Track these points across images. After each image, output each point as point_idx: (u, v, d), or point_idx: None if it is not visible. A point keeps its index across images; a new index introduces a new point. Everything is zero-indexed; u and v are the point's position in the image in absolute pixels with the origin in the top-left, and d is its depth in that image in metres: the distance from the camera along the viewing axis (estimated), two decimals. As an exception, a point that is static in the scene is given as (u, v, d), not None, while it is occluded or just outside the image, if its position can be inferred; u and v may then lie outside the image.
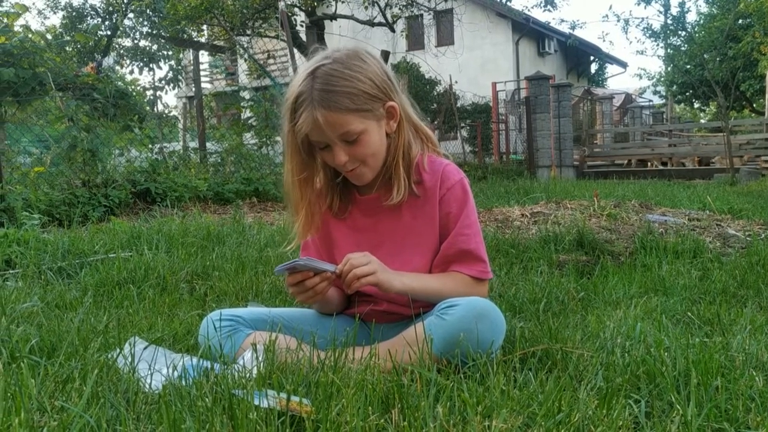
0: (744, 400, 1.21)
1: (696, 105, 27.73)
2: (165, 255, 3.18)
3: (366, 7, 12.89)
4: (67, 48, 15.85)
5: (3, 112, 6.34)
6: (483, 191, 7.95)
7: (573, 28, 15.00)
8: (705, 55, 14.60)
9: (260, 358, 1.36)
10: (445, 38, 19.59)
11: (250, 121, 8.92)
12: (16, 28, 6.64)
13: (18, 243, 3.34)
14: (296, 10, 13.03)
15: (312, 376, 1.29)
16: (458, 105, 16.21)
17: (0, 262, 3.09)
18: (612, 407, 1.16)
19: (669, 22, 14.08)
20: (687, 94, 23.44)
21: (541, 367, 1.44)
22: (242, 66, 17.93)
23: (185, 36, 14.70)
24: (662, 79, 25.97)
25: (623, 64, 26.43)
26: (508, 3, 17.34)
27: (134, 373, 1.35)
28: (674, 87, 23.36)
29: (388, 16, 13.05)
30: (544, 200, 5.62)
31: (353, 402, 1.12)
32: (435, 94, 17.87)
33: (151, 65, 18.51)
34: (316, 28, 12.90)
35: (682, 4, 14.98)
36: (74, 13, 18.70)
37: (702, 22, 20.70)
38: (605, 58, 25.15)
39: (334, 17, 13.20)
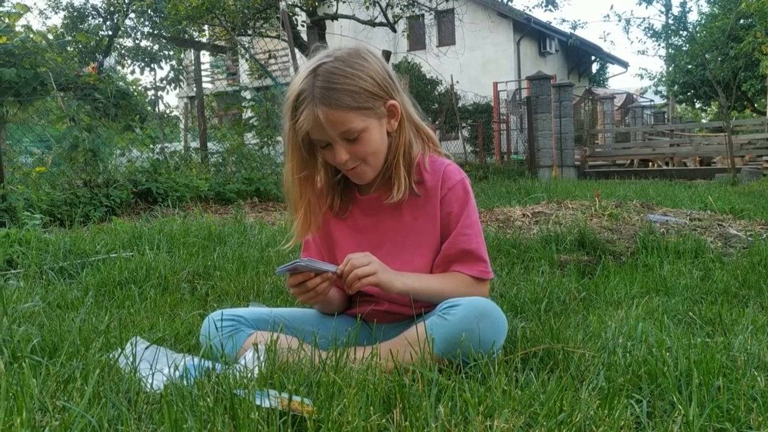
0: (746, 400, 1.21)
1: (697, 105, 27.72)
2: (166, 255, 3.18)
3: (367, 7, 12.89)
4: (68, 48, 15.88)
5: (4, 112, 6.34)
6: (484, 191, 7.95)
7: (574, 28, 14.98)
8: (706, 55, 14.59)
9: (262, 358, 1.36)
10: (447, 38, 19.58)
11: (251, 121, 8.92)
12: (17, 28, 6.64)
13: (19, 243, 3.35)
14: (297, 10, 13.02)
15: (313, 376, 1.29)
16: (459, 105, 16.20)
17: (1, 261, 3.09)
18: (614, 407, 1.16)
19: (670, 21, 14.07)
20: (688, 94, 23.42)
21: (543, 367, 1.44)
22: (243, 66, 17.94)
23: (186, 36, 14.70)
24: (663, 79, 25.96)
25: (624, 64, 26.42)
26: (510, 3, 17.36)
27: (136, 373, 1.35)
28: (675, 87, 23.34)
29: (390, 16, 13.05)
30: (546, 200, 5.62)
31: (355, 402, 1.12)
32: (436, 94, 17.87)
33: (152, 65, 18.55)
34: (317, 28, 12.90)
35: (683, 4, 14.96)
36: (75, 13, 18.72)
37: (703, 21, 20.68)
38: (606, 58, 25.13)
39: (335, 17, 13.19)
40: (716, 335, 1.80)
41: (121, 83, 8.70)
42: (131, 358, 1.40)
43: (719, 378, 1.29)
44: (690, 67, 19.38)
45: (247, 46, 13.63)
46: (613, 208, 4.59)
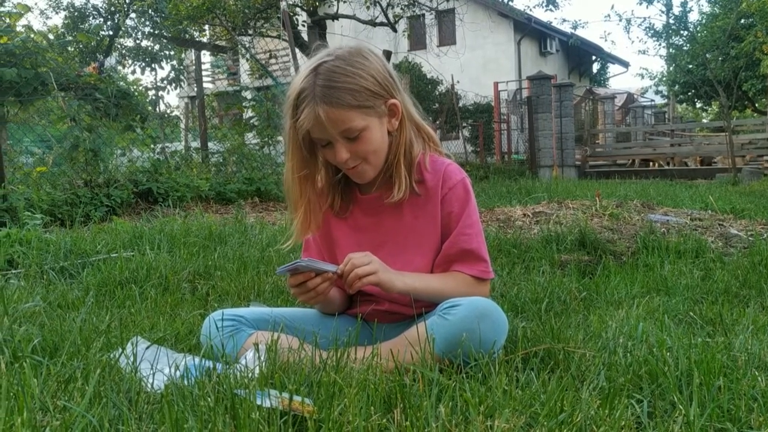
0: (746, 400, 1.21)
1: (698, 105, 27.68)
2: (167, 255, 3.18)
3: (368, 7, 12.90)
4: (69, 48, 15.88)
5: (5, 112, 6.34)
6: (485, 191, 7.95)
7: (575, 27, 14.97)
8: (707, 55, 14.57)
9: (262, 358, 1.36)
10: (447, 38, 19.58)
11: (251, 121, 8.92)
12: (18, 28, 6.64)
13: (20, 243, 3.35)
14: (298, 9, 13.03)
15: (314, 376, 1.29)
16: (460, 105, 16.20)
17: (2, 261, 3.09)
18: (614, 407, 1.16)
19: (671, 21, 14.06)
20: (689, 93, 23.39)
21: (544, 367, 1.44)
22: (244, 66, 17.96)
23: (187, 36, 14.72)
24: (664, 78, 25.94)
25: (625, 64, 26.40)
26: (510, 3, 17.34)
27: (136, 373, 1.35)
28: (676, 87, 23.30)
29: (390, 15, 13.06)
30: (546, 200, 5.62)
31: (355, 402, 1.12)
32: (437, 93, 17.87)
33: (153, 65, 18.57)
34: (318, 28, 12.92)
35: (684, 4, 14.95)
36: (76, 13, 18.74)
37: (704, 21, 20.65)
38: (607, 58, 25.12)
39: (335, 17, 13.20)
40: (717, 335, 1.80)
41: (121, 83, 8.71)
42: (132, 358, 1.40)
43: (720, 378, 1.29)
44: (691, 66, 19.36)
45: (247, 45, 13.64)
46: (614, 208, 4.59)
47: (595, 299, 2.39)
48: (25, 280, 2.78)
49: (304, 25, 13.77)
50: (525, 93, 15.27)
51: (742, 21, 16.26)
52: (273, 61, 15.98)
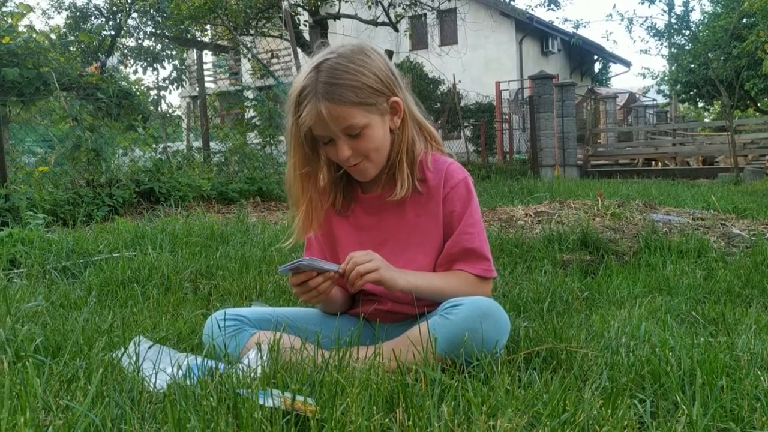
0: (749, 399, 1.20)
1: (700, 104, 27.63)
2: (169, 254, 3.18)
3: (369, 7, 12.90)
4: (71, 48, 15.89)
5: (7, 112, 6.36)
6: (487, 191, 7.95)
7: (577, 27, 14.97)
8: (709, 54, 14.55)
9: (265, 358, 1.36)
10: (449, 38, 19.57)
11: (253, 121, 8.92)
12: (20, 28, 6.66)
13: (22, 242, 3.35)
14: (300, 9, 13.03)
15: (316, 376, 1.29)
16: (462, 104, 16.20)
17: (5, 261, 3.10)
18: (617, 407, 1.16)
19: (673, 21, 14.04)
20: (691, 93, 23.34)
21: (546, 366, 1.44)
22: (245, 65, 17.96)
23: (189, 36, 14.73)
24: (666, 78, 25.89)
25: (627, 63, 26.38)
26: (512, 2, 17.32)
27: (139, 373, 1.35)
28: (678, 86, 23.26)
29: (392, 15, 13.06)
30: (548, 200, 5.62)
31: (358, 401, 1.12)
32: (438, 93, 17.88)
33: (154, 65, 18.58)
34: (320, 27, 12.92)
35: (686, 3, 14.87)
36: (78, 13, 18.75)
37: (706, 21, 20.62)
38: (609, 57, 25.10)
39: (337, 17, 13.21)
40: (719, 335, 1.79)
41: (123, 83, 8.72)
42: (134, 358, 1.41)
43: (723, 378, 1.29)
44: (693, 66, 19.32)
45: (249, 45, 13.64)
46: (616, 208, 4.58)
47: (598, 299, 2.39)
48: (27, 280, 2.78)
49: (305, 25, 13.78)
50: (527, 92, 15.27)
51: (744, 20, 16.22)
52: (275, 60, 16.00)
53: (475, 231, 1.61)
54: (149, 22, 18.58)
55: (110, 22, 18.29)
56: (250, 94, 10.91)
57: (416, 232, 1.63)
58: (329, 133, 1.50)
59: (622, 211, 4.48)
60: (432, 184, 1.62)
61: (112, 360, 1.43)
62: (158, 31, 18.06)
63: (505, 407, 1.14)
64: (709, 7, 21.52)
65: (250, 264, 2.95)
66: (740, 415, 1.16)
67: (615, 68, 27.71)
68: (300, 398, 1.14)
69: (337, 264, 1.51)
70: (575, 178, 12.90)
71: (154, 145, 7.33)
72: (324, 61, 1.49)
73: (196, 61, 11.72)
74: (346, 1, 12.94)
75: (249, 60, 15.04)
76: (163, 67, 18.89)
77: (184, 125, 11.81)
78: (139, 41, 19.13)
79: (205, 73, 13.42)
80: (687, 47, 16.07)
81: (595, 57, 25.21)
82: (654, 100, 25.83)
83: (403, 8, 13.34)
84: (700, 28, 18.61)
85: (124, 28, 17.97)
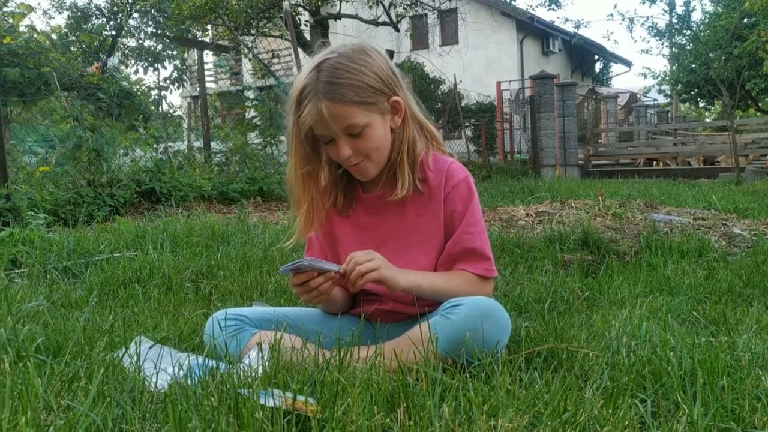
0: (750, 399, 1.20)
1: (701, 104, 27.60)
2: (170, 254, 3.19)
3: (370, 7, 12.91)
4: (72, 48, 15.91)
5: (8, 112, 6.36)
6: (487, 191, 7.95)
7: (577, 27, 14.93)
8: (710, 54, 14.55)
9: (266, 358, 1.36)
10: (450, 37, 19.58)
11: (254, 121, 8.92)
12: (21, 29, 6.66)
13: (23, 242, 3.35)
14: (300, 9, 13.04)
15: (317, 376, 1.29)
16: (462, 104, 16.19)
17: (6, 261, 3.10)
18: (618, 407, 1.16)
19: (674, 20, 14.04)
20: (692, 93, 23.33)
21: (547, 366, 1.44)
22: (246, 65, 17.95)
23: (190, 36, 14.74)
24: (667, 78, 25.87)
25: (628, 63, 26.37)
26: (513, 2, 17.34)
27: (140, 372, 1.35)
28: (679, 86, 23.25)
29: (393, 15, 13.07)
30: (549, 199, 5.62)
31: (359, 401, 1.12)
32: (439, 93, 17.87)
33: (155, 65, 18.61)
34: (321, 27, 12.92)
35: (687, 3, 14.87)
36: (79, 13, 18.77)
37: (707, 20, 20.61)
38: (610, 57, 25.11)
39: (338, 17, 13.21)
40: (720, 335, 1.79)
41: (124, 83, 8.73)
42: (135, 358, 1.41)
43: (724, 377, 1.29)
44: (694, 66, 19.31)
45: (250, 45, 13.64)
46: (617, 208, 4.58)
47: (598, 299, 2.39)
48: (28, 280, 2.78)
49: (306, 25, 13.78)
50: (528, 92, 15.26)
51: (745, 20, 16.21)
52: (275, 60, 16.00)
53: (476, 231, 1.61)
54: (150, 22, 18.60)
55: (111, 22, 18.32)
56: (251, 94, 10.91)
57: (417, 232, 1.63)
58: (330, 132, 1.50)
59: (623, 211, 4.48)
60: (433, 183, 1.62)
61: (113, 360, 1.43)
62: (159, 31, 18.08)
63: (506, 407, 1.14)
64: (710, 7, 21.52)
65: (251, 264, 2.95)
66: (741, 414, 1.16)
67: (616, 68, 27.76)
68: (301, 398, 1.14)
69: (338, 264, 1.51)
70: (576, 178, 12.89)
71: (155, 145, 7.33)
72: (325, 60, 1.49)
73: (197, 61, 11.72)
74: (347, 1, 12.95)
75: (250, 60, 15.04)
76: (164, 67, 18.94)
77: (184, 125, 11.82)
78: (140, 41, 19.17)
79: (206, 73, 13.43)
80: (688, 47, 16.06)
81: (596, 57, 25.21)
82: (655, 100, 25.82)
83: (403, 8, 13.35)
84: (701, 28, 18.60)
85: (125, 28, 17.98)
